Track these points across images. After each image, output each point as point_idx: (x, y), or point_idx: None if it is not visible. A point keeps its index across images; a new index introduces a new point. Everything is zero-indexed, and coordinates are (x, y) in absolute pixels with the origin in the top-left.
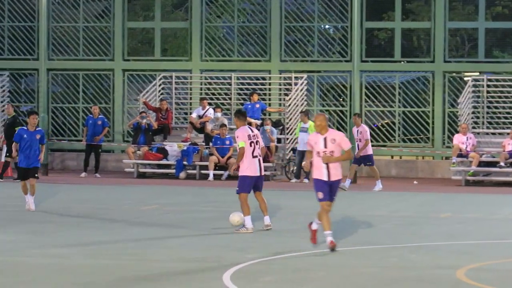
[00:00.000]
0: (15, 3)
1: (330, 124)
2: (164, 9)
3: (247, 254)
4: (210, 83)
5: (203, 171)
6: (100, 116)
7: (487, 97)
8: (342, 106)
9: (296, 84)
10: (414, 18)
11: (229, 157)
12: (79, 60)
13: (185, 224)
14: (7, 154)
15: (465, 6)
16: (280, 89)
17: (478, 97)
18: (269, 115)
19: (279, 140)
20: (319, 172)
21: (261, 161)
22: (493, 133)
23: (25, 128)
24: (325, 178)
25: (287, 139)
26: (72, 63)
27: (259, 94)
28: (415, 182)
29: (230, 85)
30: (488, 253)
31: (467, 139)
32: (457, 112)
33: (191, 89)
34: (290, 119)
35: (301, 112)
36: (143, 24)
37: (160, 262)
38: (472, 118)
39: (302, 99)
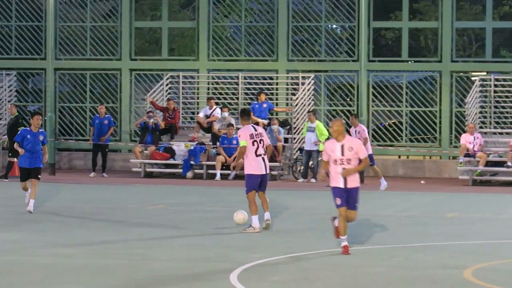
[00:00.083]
0: (23, 2)
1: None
2: (172, 9)
3: (254, 254)
4: (217, 83)
5: (210, 171)
6: (106, 116)
7: (494, 97)
8: (349, 105)
9: (303, 83)
10: (422, 18)
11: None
12: (86, 60)
13: (192, 224)
14: (10, 154)
15: (472, 5)
16: (287, 89)
17: (486, 96)
18: (276, 114)
19: (286, 140)
20: (336, 180)
21: (266, 159)
22: (500, 133)
23: (28, 129)
24: (342, 185)
25: (294, 138)
26: (79, 63)
27: (266, 94)
28: (422, 182)
29: (237, 84)
30: (495, 253)
31: (474, 139)
32: (464, 111)
33: (198, 89)
34: (297, 119)
35: (309, 111)
36: (150, 23)
37: (166, 262)
38: (479, 117)
39: (309, 98)
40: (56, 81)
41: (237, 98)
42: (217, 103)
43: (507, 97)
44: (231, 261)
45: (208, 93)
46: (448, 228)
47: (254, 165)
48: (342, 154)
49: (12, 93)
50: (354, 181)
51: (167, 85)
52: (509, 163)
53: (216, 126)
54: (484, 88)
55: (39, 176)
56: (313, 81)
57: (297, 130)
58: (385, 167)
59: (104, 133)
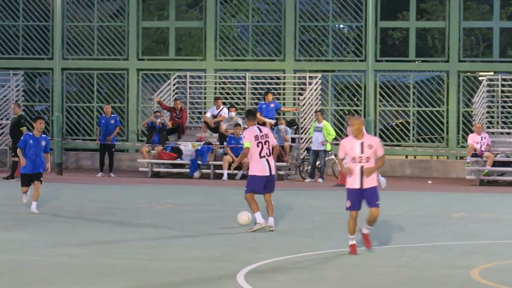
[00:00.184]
0: (30, 2)
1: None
2: (179, 9)
3: (261, 253)
4: (224, 83)
5: (217, 171)
6: (113, 115)
7: (502, 97)
8: (357, 105)
9: (310, 83)
10: (429, 17)
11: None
12: (94, 60)
13: (199, 224)
14: (13, 154)
15: (479, 5)
16: (294, 89)
17: (493, 96)
18: (284, 114)
19: (293, 140)
20: (352, 179)
21: (271, 160)
22: (508, 133)
23: (31, 133)
24: (357, 186)
25: (301, 138)
26: (87, 63)
27: (273, 94)
28: (429, 182)
29: (245, 84)
30: (502, 253)
31: (481, 139)
32: (472, 111)
33: (205, 89)
34: (304, 119)
35: (316, 111)
36: (157, 23)
37: (173, 262)
38: (486, 117)
39: (317, 98)
40: (63, 81)
41: (244, 98)
42: (224, 103)
43: None
44: (238, 261)
45: (215, 93)
46: (455, 228)
47: (258, 167)
48: (362, 152)
49: (19, 93)
50: (371, 181)
51: (174, 85)
52: None
53: (223, 126)
54: (492, 88)
55: (41, 179)
56: (320, 81)
57: (304, 130)
58: (392, 167)
59: (111, 133)
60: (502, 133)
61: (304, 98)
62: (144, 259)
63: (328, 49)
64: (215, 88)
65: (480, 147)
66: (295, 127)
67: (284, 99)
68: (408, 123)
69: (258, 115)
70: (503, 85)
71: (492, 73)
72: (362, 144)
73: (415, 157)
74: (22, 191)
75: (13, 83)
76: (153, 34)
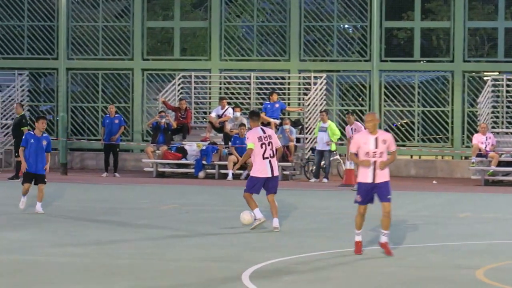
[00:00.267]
0: (35, 2)
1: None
2: (184, 9)
3: (266, 253)
4: (229, 83)
5: (222, 171)
6: (117, 115)
7: (507, 97)
8: (361, 105)
9: (315, 83)
10: (434, 17)
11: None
12: (99, 60)
13: (204, 224)
14: (16, 154)
15: (484, 5)
16: (299, 89)
17: (498, 96)
18: (288, 114)
19: (298, 140)
20: (364, 174)
21: (273, 162)
22: None
23: (32, 132)
24: (370, 180)
25: (306, 138)
26: (92, 63)
27: (278, 94)
28: (434, 182)
29: (249, 84)
30: (507, 253)
31: (486, 139)
32: (477, 111)
33: (210, 89)
34: (309, 119)
35: (322, 111)
36: (162, 23)
37: (178, 262)
38: (491, 117)
39: (321, 98)
40: (68, 81)
41: (249, 98)
42: (229, 103)
43: None
44: (244, 261)
45: (220, 93)
46: (461, 228)
47: (260, 168)
48: (376, 147)
49: (24, 93)
50: (383, 176)
51: (179, 85)
52: None
53: (228, 126)
54: (496, 88)
55: (45, 180)
56: (325, 81)
57: (309, 130)
58: (397, 167)
59: (115, 133)
60: (507, 133)
61: (309, 98)
62: (149, 259)
63: (333, 49)
64: (220, 88)
65: (485, 147)
66: (300, 127)
67: (289, 99)
68: (413, 123)
69: (263, 115)
70: (508, 85)
71: (497, 73)
72: (376, 139)
73: (420, 157)
74: (23, 190)
75: (18, 83)
76: (158, 34)
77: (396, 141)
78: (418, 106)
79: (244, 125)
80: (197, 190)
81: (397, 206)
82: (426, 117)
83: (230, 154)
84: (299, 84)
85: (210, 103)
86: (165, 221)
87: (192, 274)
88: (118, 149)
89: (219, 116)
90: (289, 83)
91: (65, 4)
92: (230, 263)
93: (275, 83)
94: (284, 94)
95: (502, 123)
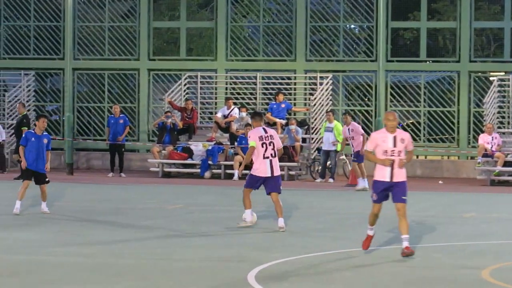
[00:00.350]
0: (41, 2)
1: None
2: (190, 9)
3: (272, 253)
4: (235, 83)
5: (228, 171)
6: (121, 115)
7: None
8: (368, 106)
9: (321, 83)
10: (440, 18)
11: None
12: (105, 60)
13: (210, 224)
14: (15, 152)
15: (490, 6)
16: (305, 89)
17: (504, 96)
18: (295, 114)
19: (304, 140)
20: (382, 172)
21: (274, 161)
22: None
23: (33, 131)
24: (387, 179)
25: (312, 138)
26: (98, 63)
27: (284, 94)
28: (440, 182)
29: (256, 84)
30: None
31: (492, 139)
32: (483, 112)
33: (216, 89)
34: (315, 119)
35: (328, 111)
36: (168, 23)
37: (184, 262)
38: (497, 117)
39: (327, 98)
40: (74, 81)
41: (255, 98)
42: (235, 103)
43: None
44: (249, 261)
45: (226, 93)
46: (466, 228)
47: (260, 167)
48: (395, 146)
49: (30, 93)
50: (401, 175)
51: (185, 85)
52: None
53: (234, 126)
54: (503, 88)
55: (47, 180)
56: (331, 81)
57: (315, 130)
58: None
59: (120, 133)
60: None
61: (315, 98)
62: (155, 259)
63: (339, 49)
64: (226, 88)
65: (491, 147)
66: (306, 127)
67: (295, 99)
68: (419, 123)
69: (269, 115)
70: None
71: (503, 73)
72: (395, 137)
73: (426, 157)
74: (20, 192)
75: (24, 83)
76: (164, 34)
77: None
78: (424, 106)
79: (250, 125)
80: (203, 190)
81: None
82: (432, 117)
83: (236, 154)
84: (305, 84)
85: (216, 103)
86: (171, 221)
87: (198, 274)
88: (123, 149)
89: (225, 116)
90: (295, 83)
91: (71, 4)
92: (236, 263)
93: (281, 83)
94: (290, 94)
95: (508, 123)
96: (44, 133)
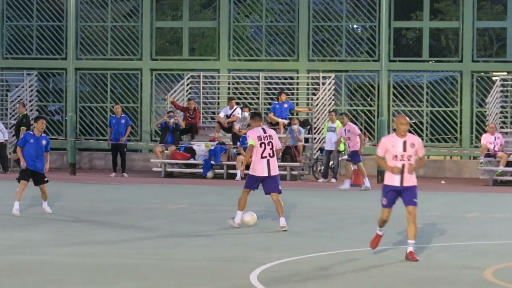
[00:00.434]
0: (44, 2)
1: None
2: (192, 9)
3: (274, 253)
4: (238, 83)
5: (230, 171)
6: (123, 115)
7: None
8: (370, 105)
9: (324, 83)
10: (442, 17)
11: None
12: (107, 60)
13: (212, 224)
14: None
15: (493, 5)
16: (308, 89)
17: (506, 96)
18: (297, 114)
19: (306, 140)
20: (392, 176)
21: (272, 161)
22: None
23: (31, 132)
24: (397, 184)
25: (315, 138)
26: (100, 63)
27: (286, 94)
28: (442, 182)
29: (258, 84)
30: None
31: (495, 139)
32: (485, 111)
33: (219, 89)
34: (318, 119)
35: (331, 111)
36: (171, 23)
37: (186, 262)
38: (500, 117)
39: (330, 98)
40: (77, 81)
41: (258, 98)
42: (237, 103)
43: None
44: (251, 261)
45: (228, 93)
46: (469, 228)
47: (257, 167)
48: (404, 150)
49: (33, 93)
50: (411, 180)
51: (187, 85)
52: None
53: (237, 126)
54: (505, 88)
55: (46, 179)
56: (333, 81)
57: (317, 130)
58: None
59: (122, 133)
60: None
61: (318, 98)
62: (157, 259)
63: (341, 49)
64: (229, 88)
65: (494, 147)
66: (309, 127)
67: (297, 99)
68: (422, 123)
69: (271, 115)
70: None
71: (506, 73)
72: (404, 142)
73: (428, 157)
74: (18, 193)
75: (27, 83)
76: (166, 34)
77: None
78: (427, 106)
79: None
80: (206, 190)
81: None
82: (435, 117)
83: (239, 154)
84: (308, 84)
85: (218, 103)
86: (174, 221)
87: (200, 274)
88: (125, 149)
89: (227, 116)
90: (297, 83)
91: (74, 4)
92: (239, 263)
93: (283, 83)
94: (292, 94)
95: (511, 123)
96: (42, 135)
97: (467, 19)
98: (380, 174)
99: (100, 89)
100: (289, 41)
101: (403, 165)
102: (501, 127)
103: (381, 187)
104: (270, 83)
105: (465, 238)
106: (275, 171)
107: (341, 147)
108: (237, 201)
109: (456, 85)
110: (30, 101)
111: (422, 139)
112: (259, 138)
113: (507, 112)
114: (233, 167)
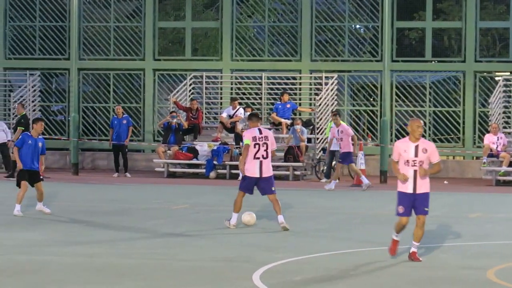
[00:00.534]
0: (47, 3)
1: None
2: (195, 9)
3: (277, 253)
4: (240, 83)
5: (233, 171)
6: (124, 116)
7: None
8: (373, 106)
9: (326, 83)
10: (445, 17)
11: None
12: (110, 60)
13: (215, 224)
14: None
15: (496, 5)
16: (310, 89)
17: (509, 96)
18: (300, 114)
19: (309, 140)
20: (404, 184)
21: (265, 163)
22: None
23: (29, 133)
24: (410, 191)
25: (317, 139)
26: (103, 63)
27: (289, 94)
28: (445, 182)
29: (261, 84)
30: None
31: (497, 139)
32: (488, 112)
33: (221, 89)
34: (321, 119)
35: (335, 111)
36: (174, 23)
37: (189, 262)
38: (503, 117)
39: (333, 98)
40: (80, 81)
41: (260, 98)
42: (240, 103)
43: None
44: (254, 261)
45: (231, 93)
46: (472, 228)
47: (250, 168)
48: (416, 156)
49: (36, 93)
50: (424, 186)
51: (190, 85)
52: None
53: (239, 126)
54: (508, 88)
55: (42, 177)
56: (336, 81)
57: (320, 130)
58: None
59: (123, 133)
60: None
61: (320, 98)
62: (160, 259)
63: (344, 49)
64: (231, 89)
65: (496, 147)
66: (311, 127)
67: (300, 99)
68: (425, 123)
69: (274, 115)
70: None
71: (509, 73)
72: (417, 147)
73: None
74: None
75: (30, 83)
76: (169, 34)
77: None
78: (430, 106)
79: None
80: (208, 190)
81: None
82: (438, 117)
83: (241, 154)
84: (311, 84)
85: (221, 103)
86: (176, 221)
87: (203, 274)
88: (126, 149)
89: (230, 116)
90: (300, 83)
91: (77, 4)
92: (241, 263)
93: (286, 83)
94: (295, 94)
95: None
96: (39, 137)
97: (470, 19)
98: (383, 174)
99: (103, 89)
100: (291, 41)
101: (415, 171)
102: (504, 127)
103: (396, 194)
104: (273, 83)
105: (468, 238)
106: (267, 173)
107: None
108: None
109: (459, 85)
110: (33, 101)
111: (425, 139)
112: (254, 138)
113: (510, 112)
114: (236, 167)
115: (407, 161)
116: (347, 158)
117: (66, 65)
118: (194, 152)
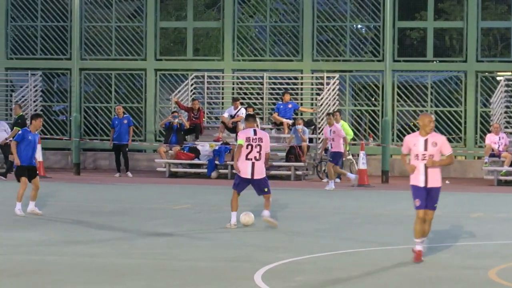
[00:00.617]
0: (48, 3)
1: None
2: (197, 9)
3: (278, 253)
4: (242, 83)
5: (234, 171)
6: (125, 116)
7: None
8: (374, 105)
9: (328, 83)
10: (447, 17)
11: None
12: (112, 60)
13: (216, 224)
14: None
15: (497, 5)
16: (312, 89)
17: (511, 96)
18: (301, 114)
19: (310, 140)
20: (416, 178)
21: (257, 164)
22: None
23: (28, 129)
24: (422, 184)
25: (319, 138)
26: (105, 63)
27: (291, 94)
28: (447, 182)
29: (262, 84)
30: None
31: (499, 139)
32: (490, 111)
33: (223, 89)
34: (322, 119)
35: (336, 111)
36: (175, 23)
37: (190, 262)
38: (504, 117)
39: (334, 98)
40: (81, 81)
41: (262, 98)
42: (241, 103)
43: None
44: (256, 261)
45: (233, 93)
46: (473, 228)
47: (241, 168)
48: (425, 149)
49: (37, 93)
50: (435, 180)
51: (192, 85)
52: None
53: (241, 126)
54: (510, 88)
55: (37, 172)
56: (338, 81)
57: (322, 130)
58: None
59: (124, 133)
60: None
61: (322, 98)
62: (161, 259)
63: (345, 49)
64: (233, 89)
65: (498, 147)
66: (313, 127)
67: (301, 99)
68: None
69: (275, 115)
70: None
71: (510, 73)
72: (426, 141)
73: None
74: (19, 193)
75: (31, 83)
76: (171, 34)
77: None
78: (431, 106)
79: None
80: (210, 190)
81: (408, 206)
82: (439, 117)
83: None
84: (312, 84)
85: (223, 103)
86: (178, 221)
87: (203, 274)
88: (127, 149)
89: (232, 116)
90: (302, 83)
91: (78, 4)
92: (242, 263)
93: (288, 83)
94: (297, 94)
95: None
96: (36, 133)
97: (472, 19)
98: (384, 174)
99: (104, 89)
100: (293, 41)
101: (425, 166)
102: (506, 127)
103: (410, 188)
104: (274, 83)
105: (469, 238)
106: (259, 175)
107: (346, 147)
108: (241, 202)
109: (460, 85)
110: (34, 102)
111: None
112: (248, 139)
113: (511, 112)
114: None
115: (417, 155)
116: (336, 158)
117: (67, 65)
118: (196, 152)
